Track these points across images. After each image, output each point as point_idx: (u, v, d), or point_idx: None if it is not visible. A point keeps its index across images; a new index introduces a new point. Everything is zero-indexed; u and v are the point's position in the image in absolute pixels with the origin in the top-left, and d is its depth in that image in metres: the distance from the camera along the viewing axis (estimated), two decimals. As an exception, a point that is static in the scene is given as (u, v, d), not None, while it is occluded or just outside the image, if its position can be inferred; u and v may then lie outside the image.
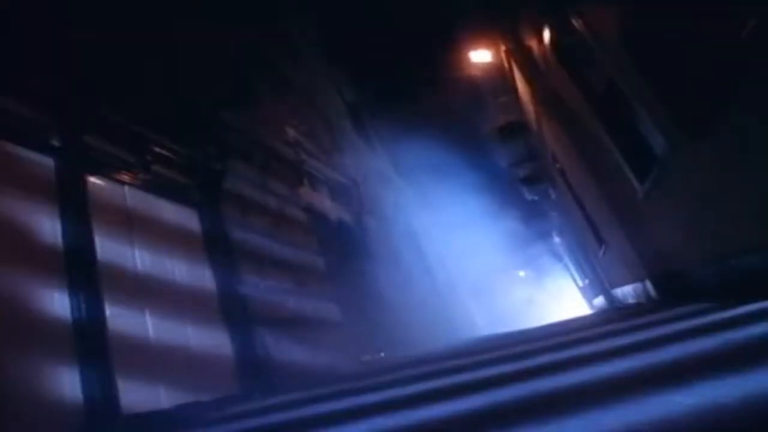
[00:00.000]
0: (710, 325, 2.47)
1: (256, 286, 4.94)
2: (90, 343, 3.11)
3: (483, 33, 8.36)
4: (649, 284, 5.71)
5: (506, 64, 8.53)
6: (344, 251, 7.99)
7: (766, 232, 2.71)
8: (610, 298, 9.68)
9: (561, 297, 22.06)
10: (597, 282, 11.46)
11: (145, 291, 3.78)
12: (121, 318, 3.43)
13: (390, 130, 15.52)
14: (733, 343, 1.88)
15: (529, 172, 12.12)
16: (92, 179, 3.81)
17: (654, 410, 1.25)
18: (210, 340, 4.18)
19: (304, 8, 11.38)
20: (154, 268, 3.99)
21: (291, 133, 7.80)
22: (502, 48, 8.18)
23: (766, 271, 2.74)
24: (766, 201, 2.60)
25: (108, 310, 3.35)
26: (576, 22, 4.43)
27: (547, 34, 5.88)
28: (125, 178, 4.14)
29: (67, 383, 2.91)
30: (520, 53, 7.73)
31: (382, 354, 7.30)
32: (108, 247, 3.64)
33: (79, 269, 3.29)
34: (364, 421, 2.00)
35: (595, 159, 5.93)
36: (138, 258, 3.90)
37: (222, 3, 7.23)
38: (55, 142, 3.57)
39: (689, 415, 1.16)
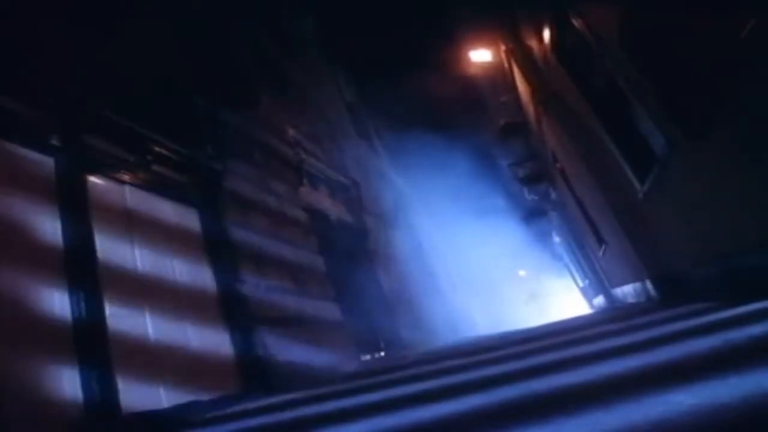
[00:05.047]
0: (710, 325, 2.47)
1: (256, 286, 4.94)
2: (90, 343, 3.11)
3: (483, 33, 8.37)
4: (649, 284, 5.72)
5: (506, 64, 8.53)
6: (344, 251, 7.99)
7: (766, 232, 2.71)
8: (610, 298, 9.69)
9: (561, 296, 22.08)
10: (597, 282, 11.47)
11: (145, 291, 3.78)
12: (121, 318, 3.43)
13: (390, 130, 15.52)
14: (733, 343, 1.88)
15: (529, 171, 12.13)
16: (92, 179, 3.80)
17: (654, 410, 1.25)
18: (210, 339, 4.18)
19: (304, 8, 11.38)
20: (154, 267, 3.99)
21: (291, 133, 7.80)
22: (502, 48, 8.18)
23: (766, 271, 2.74)
24: (765, 201, 2.60)
25: (108, 310, 3.35)
26: (576, 22, 4.43)
27: (547, 34, 5.88)
28: (125, 177, 4.14)
29: (67, 383, 2.91)
30: (520, 53, 7.73)
31: (382, 354, 7.31)
32: (108, 247, 3.63)
33: (79, 269, 3.29)
34: (364, 421, 2.00)
35: (595, 159, 5.93)
36: (138, 258, 3.89)
37: (222, 2, 7.23)
38: (55, 142, 3.56)
39: (689, 415, 1.16)
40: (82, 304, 3.18)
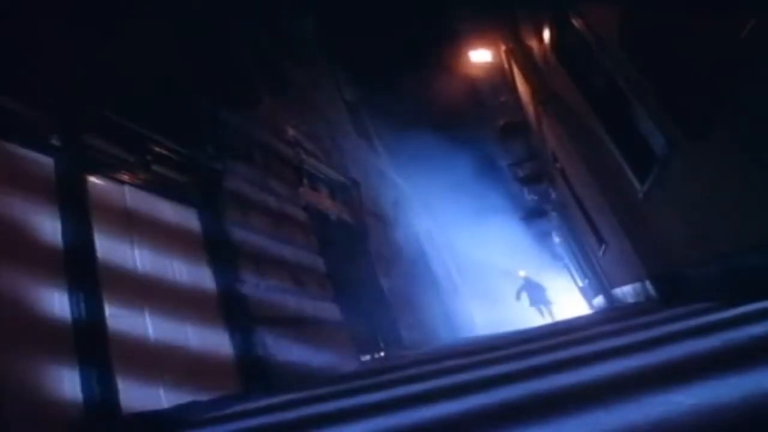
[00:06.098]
0: (710, 325, 2.47)
1: (256, 286, 4.94)
2: (90, 343, 3.11)
3: (483, 33, 8.37)
4: (649, 284, 5.72)
5: (506, 64, 8.53)
6: (344, 251, 7.99)
7: (766, 232, 2.71)
8: (610, 298, 9.69)
9: (561, 296, 22.07)
10: (597, 282, 11.47)
11: (145, 291, 3.78)
12: (121, 318, 3.43)
13: (390, 130, 15.53)
14: (733, 343, 1.88)
15: (529, 171, 12.14)
16: (92, 179, 3.80)
17: (654, 410, 1.25)
18: (210, 339, 4.18)
19: (304, 8, 11.38)
20: (154, 267, 3.99)
21: (291, 133, 7.79)
22: (502, 48, 8.18)
23: (766, 271, 2.74)
24: (765, 201, 2.61)
25: (108, 310, 3.35)
26: (576, 22, 4.43)
27: (547, 34, 5.88)
28: (125, 177, 4.14)
29: (67, 383, 2.91)
30: (520, 53, 7.73)
31: (382, 354, 7.30)
32: (108, 247, 3.63)
33: (79, 269, 3.28)
34: (365, 421, 2.00)
35: (595, 159, 5.93)
36: (138, 258, 3.89)
37: (222, 2, 7.23)
38: (55, 142, 3.56)
39: (689, 415, 1.16)
40: (82, 304, 3.18)
